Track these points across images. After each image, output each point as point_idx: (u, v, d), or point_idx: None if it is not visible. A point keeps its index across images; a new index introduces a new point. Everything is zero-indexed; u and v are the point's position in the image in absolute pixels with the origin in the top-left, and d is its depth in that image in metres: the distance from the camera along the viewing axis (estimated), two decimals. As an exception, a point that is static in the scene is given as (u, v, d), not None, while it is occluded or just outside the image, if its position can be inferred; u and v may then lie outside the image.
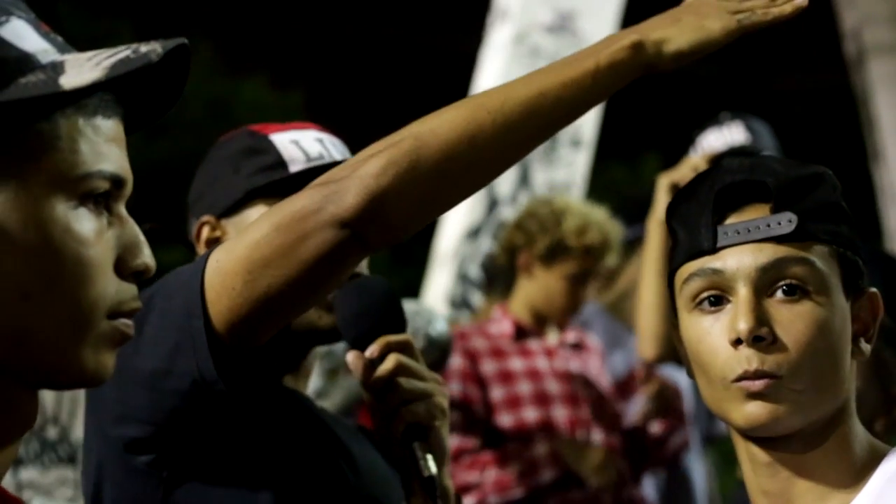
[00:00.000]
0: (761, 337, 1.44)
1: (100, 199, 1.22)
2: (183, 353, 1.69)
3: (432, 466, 1.76)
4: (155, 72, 1.25)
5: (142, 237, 1.26)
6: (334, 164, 1.91)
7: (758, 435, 1.45)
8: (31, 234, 1.18)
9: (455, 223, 5.80)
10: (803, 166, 1.52)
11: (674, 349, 1.63)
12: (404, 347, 1.83)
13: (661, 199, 3.61)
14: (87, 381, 1.23)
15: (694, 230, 1.51)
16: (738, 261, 1.46)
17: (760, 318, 1.44)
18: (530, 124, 1.62)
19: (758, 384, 1.43)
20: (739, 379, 1.44)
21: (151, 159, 19.17)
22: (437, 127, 1.61)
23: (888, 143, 7.41)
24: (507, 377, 3.92)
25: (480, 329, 4.05)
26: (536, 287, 4.02)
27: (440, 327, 3.59)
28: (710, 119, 3.96)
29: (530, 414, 3.88)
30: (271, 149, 1.96)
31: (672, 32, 1.63)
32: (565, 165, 5.88)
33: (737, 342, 1.45)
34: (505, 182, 5.82)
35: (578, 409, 3.94)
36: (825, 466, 1.47)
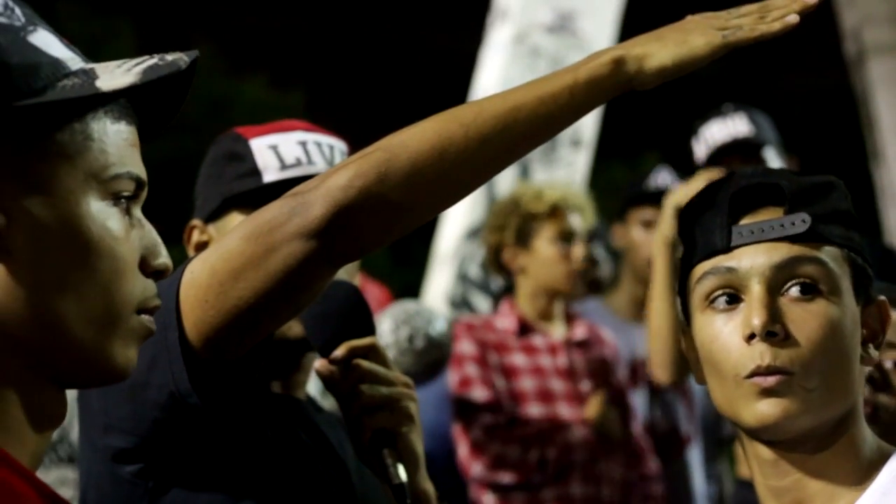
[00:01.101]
0: (774, 332, 1.45)
1: (123, 200, 1.27)
2: (159, 365, 1.68)
3: (402, 473, 1.73)
4: (163, 83, 1.29)
5: (159, 238, 1.31)
6: (308, 176, 1.87)
7: (768, 437, 1.46)
8: (69, 230, 1.23)
9: (455, 223, 5.80)
10: (814, 176, 1.54)
11: (686, 370, 1.66)
12: (369, 352, 1.80)
13: (667, 221, 3.58)
14: (116, 376, 1.27)
15: (708, 231, 1.52)
16: (752, 259, 1.47)
17: (773, 314, 1.45)
18: (504, 138, 1.58)
19: (770, 380, 1.44)
20: (752, 375, 1.45)
21: (151, 159, 19.16)
22: (408, 139, 1.58)
23: (888, 143, 7.41)
24: (510, 372, 3.91)
25: (486, 323, 4.04)
26: (531, 270, 4.01)
27: (440, 327, 3.60)
28: (713, 110, 3.95)
29: (534, 410, 3.88)
30: (248, 155, 1.95)
31: (654, 48, 1.61)
32: (565, 165, 5.88)
33: (750, 337, 1.46)
34: (505, 182, 5.83)
35: (584, 407, 3.94)
36: (834, 467, 1.48)
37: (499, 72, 5.97)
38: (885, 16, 7.46)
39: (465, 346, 3.91)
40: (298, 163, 1.94)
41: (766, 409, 1.44)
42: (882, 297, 1.52)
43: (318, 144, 1.97)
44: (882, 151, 7.45)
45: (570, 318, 4.08)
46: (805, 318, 1.45)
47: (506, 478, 3.83)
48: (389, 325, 3.55)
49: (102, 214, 1.25)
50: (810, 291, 1.46)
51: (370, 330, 1.84)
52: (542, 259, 3.96)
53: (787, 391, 1.44)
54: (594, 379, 3.98)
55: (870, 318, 1.52)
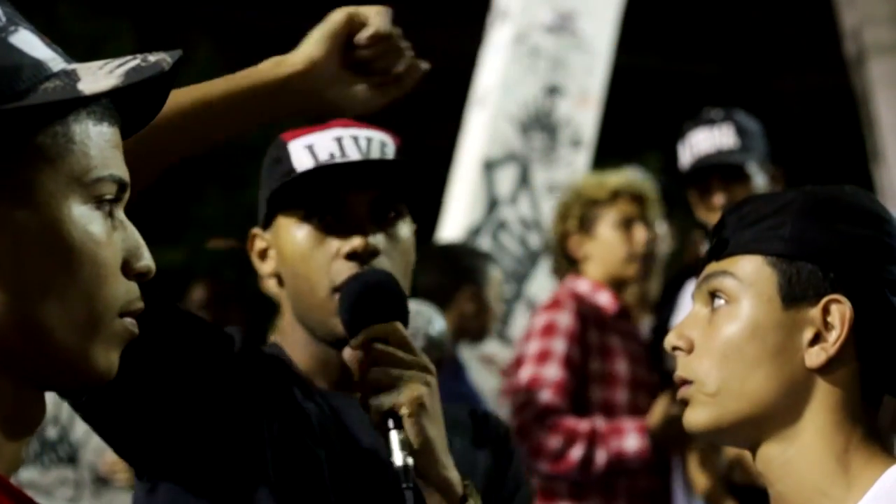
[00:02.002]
0: (677, 347, 1.58)
1: (106, 203, 1.26)
2: None
3: (405, 457, 1.73)
4: (145, 83, 1.28)
5: (142, 241, 1.30)
6: (339, 165, 1.93)
7: (703, 439, 1.56)
8: (51, 235, 1.22)
9: (455, 223, 5.81)
10: (777, 197, 1.60)
11: None
12: (389, 336, 1.80)
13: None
14: (98, 380, 1.26)
15: None
16: (698, 279, 1.62)
17: (680, 331, 1.58)
18: (195, 125, 1.75)
19: (680, 391, 1.58)
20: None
21: (151, 159, 19.07)
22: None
23: (888, 143, 7.41)
24: (607, 353, 3.87)
25: (588, 294, 4.00)
26: (594, 257, 3.98)
27: (439, 327, 3.59)
28: (702, 115, 3.94)
29: (621, 395, 3.85)
30: (286, 157, 1.99)
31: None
32: (565, 165, 5.88)
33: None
34: (505, 182, 5.83)
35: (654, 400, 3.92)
36: (800, 469, 1.51)
37: (499, 72, 5.97)
38: (885, 16, 7.46)
39: (562, 318, 3.85)
40: (332, 157, 1.96)
41: (684, 416, 1.58)
42: (831, 296, 1.51)
43: (355, 138, 1.99)
44: (882, 151, 7.46)
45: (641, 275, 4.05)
46: (709, 329, 1.56)
47: (544, 467, 3.78)
48: (389, 325, 3.55)
49: (85, 218, 1.24)
50: (718, 302, 1.56)
51: (399, 315, 1.84)
52: (605, 244, 3.95)
53: (692, 398, 1.56)
54: (658, 370, 3.97)
55: (815, 318, 1.53)
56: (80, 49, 14.71)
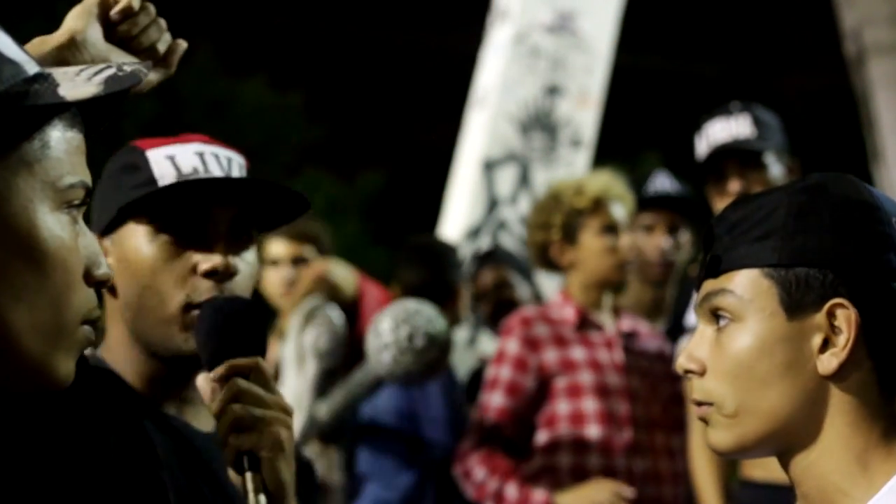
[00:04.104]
0: (689, 370, 1.57)
1: (73, 208, 1.26)
2: None
3: (261, 500, 1.67)
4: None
5: (99, 248, 1.28)
6: (208, 180, 1.88)
7: (727, 457, 1.55)
8: (26, 240, 1.21)
9: (455, 223, 5.81)
10: (763, 197, 1.58)
11: None
12: (250, 371, 1.73)
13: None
14: (55, 386, 1.25)
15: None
16: (696, 297, 1.61)
17: (689, 353, 1.57)
18: None
19: (697, 411, 1.57)
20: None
21: (151, 159, 19.07)
22: None
23: (888, 143, 7.42)
24: (569, 366, 3.91)
25: (543, 314, 4.03)
26: (580, 265, 4.01)
27: (440, 326, 3.60)
28: (720, 108, 3.94)
29: (589, 404, 3.88)
30: (145, 165, 1.92)
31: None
32: (565, 165, 5.88)
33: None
34: (505, 182, 5.83)
35: (636, 404, 3.94)
36: (821, 469, 1.52)
37: (499, 72, 5.97)
38: (885, 16, 7.46)
39: (510, 345, 3.91)
40: (195, 171, 1.91)
41: (707, 437, 1.58)
42: (834, 301, 1.50)
43: (216, 156, 1.95)
44: (882, 151, 7.46)
45: (616, 311, 4.08)
46: (717, 350, 1.55)
47: (470, 492, 3.86)
48: (389, 324, 3.55)
49: (57, 224, 1.23)
50: (723, 322, 1.55)
51: (258, 350, 1.77)
52: (591, 252, 3.98)
53: (712, 420, 1.55)
54: (638, 373, 3.98)
55: (821, 324, 1.52)
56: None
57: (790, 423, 1.52)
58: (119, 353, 1.91)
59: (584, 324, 3.96)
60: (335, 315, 4.29)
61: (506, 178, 5.84)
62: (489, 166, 5.86)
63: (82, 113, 1.29)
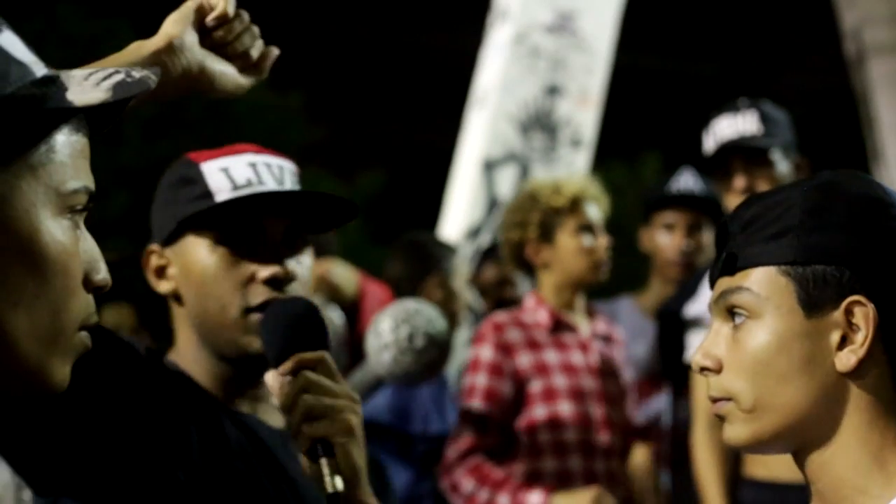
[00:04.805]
0: (705, 367, 1.58)
1: (76, 213, 1.25)
2: None
3: (338, 483, 1.76)
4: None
5: (99, 253, 1.28)
6: (262, 194, 1.95)
7: (746, 452, 1.55)
8: (29, 245, 1.20)
9: (455, 223, 5.81)
10: (775, 195, 1.58)
11: None
12: (317, 364, 1.84)
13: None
14: (51, 391, 1.25)
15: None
16: (712, 297, 1.62)
17: (706, 350, 1.58)
18: None
19: (714, 408, 1.58)
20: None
21: (151, 159, 19.13)
22: None
23: (888, 143, 7.42)
24: (542, 370, 3.91)
25: (515, 318, 4.03)
26: (555, 264, 4.01)
27: (440, 326, 3.60)
28: (728, 104, 3.94)
29: (565, 407, 3.88)
30: (200, 179, 2.00)
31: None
32: (565, 165, 5.88)
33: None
34: (505, 182, 5.83)
35: (611, 407, 3.94)
36: (835, 467, 1.53)
37: (499, 72, 5.98)
38: (885, 16, 7.47)
39: (483, 352, 3.91)
40: (249, 183, 1.99)
41: (724, 432, 1.58)
42: (852, 298, 1.51)
43: (268, 165, 2.02)
44: (882, 151, 7.46)
45: (590, 313, 4.08)
46: (734, 346, 1.56)
47: None
48: (389, 324, 3.55)
49: (59, 230, 1.22)
50: (739, 319, 1.56)
51: (323, 345, 1.87)
52: (567, 252, 3.98)
53: (730, 415, 1.56)
54: (612, 377, 3.99)
55: (839, 321, 1.53)
56: (80, 49, 14.69)
57: (807, 419, 1.52)
58: (189, 357, 2.02)
59: (558, 326, 3.96)
60: (335, 315, 4.29)
61: (506, 178, 5.84)
62: (489, 166, 5.87)
63: (87, 116, 1.28)
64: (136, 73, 1.25)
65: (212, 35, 1.86)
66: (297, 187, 2.03)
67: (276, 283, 1.94)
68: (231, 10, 1.86)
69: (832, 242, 1.51)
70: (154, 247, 2.04)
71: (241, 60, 1.89)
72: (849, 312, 1.50)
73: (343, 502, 1.75)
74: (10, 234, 1.19)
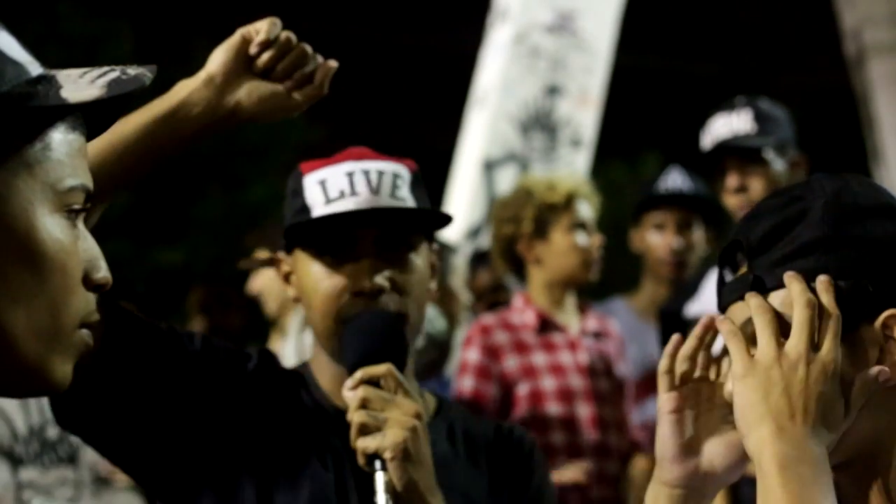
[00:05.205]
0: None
1: (73, 212, 1.25)
2: None
3: (389, 500, 1.81)
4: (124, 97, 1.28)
5: (100, 251, 1.29)
6: (343, 214, 2.01)
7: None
8: (25, 242, 1.21)
9: (455, 223, 5.80)
10: (785, 207, 1.54)
11: None
12: (382, 378, 1.90)
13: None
14: (52, 389, 1.25)
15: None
16: (735, 317, 1.55)
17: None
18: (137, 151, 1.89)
19: None
20: None
21: (151, 159, 19.06)
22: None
23: (888, 143, 7.42)
24: (530, 372, 3.89)
25: (502, 321, 4.01)
26: (547, 261, 4.00)
27: (439, 327, 3.60)
28: (725, 102, 3.95)
29: (553, 409, 3.87)
30: (301, 192, 2.08)
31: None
32: (565, 165, 5.88)
33: None
34: (505, 182, 5.83)
35: (601, 405, 3.93)
36: (867, 485, 1.51)
37: (499, 72, 5.98)
38: (885, 16, 7.47)
39: (470, 354, 3.90)
40: (342, 195, 2.04)
41: None
42: (888, 313, 1.46)
43: (366, 172, 2.06)
44: (882, 151, 7.46)
45: (582, 310, 4.07)
46: None
47: None
48: (389, 325, 3.55)
49: (56, 227, 1.23)
50: None
51: (392, 357, 1.92)
52: (560, 249, 3.97)
53: None
54: (604, 374, 3.98)
55: (876, 336, 1.50)
56: (80, 49, 14.69)
57: (853, 435, 1.49)
58: (315, 359, 2.11)
59: (546, 326, 3.95)
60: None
61: (506, 178, 5.84)
62: (489, 166, 5.87)
63: (85, 115, 1.29)
64: (132, 71, 1.25)
65: (257, 62, 1.93)
66: (397, 193, 2.07)
67: (364, 295, 2.00)
68: (274, 35, 1.92)
69: (859, 256, 1.48)
70: (282, 255, 2.14)
71: (294, 82, 1.95)
72: (885, 327, 1.48)
73: None
74: (7, 232, 1.20)
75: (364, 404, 1.86)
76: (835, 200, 1.52)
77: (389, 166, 2.08)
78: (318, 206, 2.05)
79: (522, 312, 3.96)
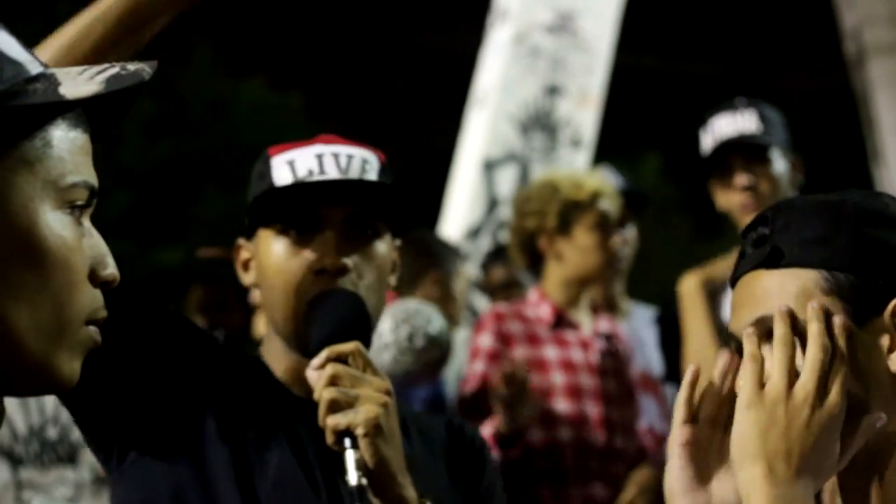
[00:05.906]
0: None
1: (77, 209, 1.26)
2: None
3: (360, 477, 1.78)
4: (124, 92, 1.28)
5: (107, 248, 1.29)
6: (318, 183, 1.97)
7: None
8: (27, 239, 1.21)
9: (455, 223, 5.81)
10: (820, 201, 1.57)
11: None
12: (350, 356, 1.86)
13: (695, 297, 3.73)
14: (58, 387, 1.25)
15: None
16: (746, 290, 1.58)
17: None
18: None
19: None
20: None
21: (152, 159, 19.11)
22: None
23: (888, 143, 7.41)
24: (540, 365, 3.90)
25: (517, 311, 4.01)
26: (568, 257, 4.00)
27: (439, 326, 3.60)
28: (726, 103, 3.95)
29: (561, 405, 3.86)
30: (268, 172, 2.04)
31: None
32: (565, 165, 5.88)
33: None
34: (505, 182, 5.83)
35: (610, 407, 3.92)
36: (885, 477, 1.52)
37: (499, 72, 5.98)
38: (885, 16, 7.46)
39: (483, 340, 3.90)
40: (310, 174, 2.01)
41: None
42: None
43: (336, 155, 2.03)
44: (882, 151, 7.45)
45: (595, 310, 4.07)
46: None
47: None
48: (389, 324, 3.55)
49: (58, 224, 1.23)
50: None
51: (358, 336, 1.89)
52: (582, 246, 3.97)
53: None
54: (613, 376, 3.97)
55: (886, 325, 1.52)
56: (80, 49, 14.69)
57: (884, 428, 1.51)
58: (268, 347, 2.06)
59: (560, 322, 3.95)
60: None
61: (506, 178, 5.84)
62: (489, 166, 5.87)
63: (91, 114, 1.29)
64: (131, 67, 1.26)
65: None
66: (365, 176, 2.03)
67: (326, 273, 1.96)
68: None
69: (880, 259, 1.52)
70: (241, 241, 2.09)
71: None
72: (894, 315, 1.51)
73: (366, 495, 1.76)
74: (9, 230, 1.20)
75: (333, 381, 1.82)
76: (865, 202, 1.56)
77: (359, 151, 2.06)
78: (284, 184, 2.01)
79: (537, 307, 3.96)
